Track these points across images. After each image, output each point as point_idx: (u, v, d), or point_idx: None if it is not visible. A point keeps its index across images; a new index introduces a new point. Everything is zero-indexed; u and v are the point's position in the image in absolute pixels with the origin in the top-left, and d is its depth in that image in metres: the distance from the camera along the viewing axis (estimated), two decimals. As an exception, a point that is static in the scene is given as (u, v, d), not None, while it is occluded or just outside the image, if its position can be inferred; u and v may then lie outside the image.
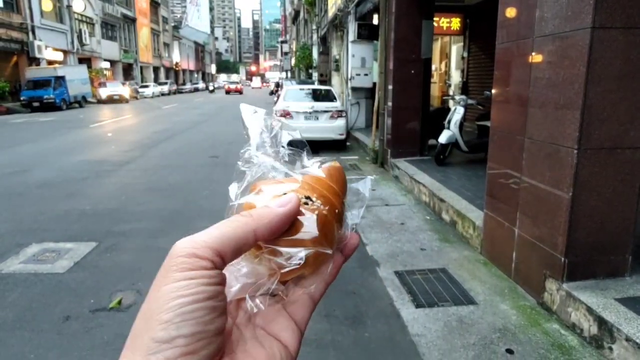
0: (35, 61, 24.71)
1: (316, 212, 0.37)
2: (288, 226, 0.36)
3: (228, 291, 0.36)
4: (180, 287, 0.30)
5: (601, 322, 2.48)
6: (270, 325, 0.38)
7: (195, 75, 75.07)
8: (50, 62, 25.97)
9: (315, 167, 0.41)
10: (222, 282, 0.33)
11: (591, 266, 2.83)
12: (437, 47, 13.31)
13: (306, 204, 0.37)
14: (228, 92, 46.80)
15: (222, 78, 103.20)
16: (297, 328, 0.38)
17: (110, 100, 28.04)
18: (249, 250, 0.35)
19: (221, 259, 0.32)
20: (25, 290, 3.34)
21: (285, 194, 0.37)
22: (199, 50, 78.23)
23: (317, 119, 9.49)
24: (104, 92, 28.32)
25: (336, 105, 9.86)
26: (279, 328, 0.38)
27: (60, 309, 3.06)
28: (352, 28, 12.08)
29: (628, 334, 2.30)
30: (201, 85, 63.22)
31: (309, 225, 0.36)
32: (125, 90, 29.22)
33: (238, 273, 0.37)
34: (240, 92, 46.31)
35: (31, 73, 23.00)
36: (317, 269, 0.39)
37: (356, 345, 2.65)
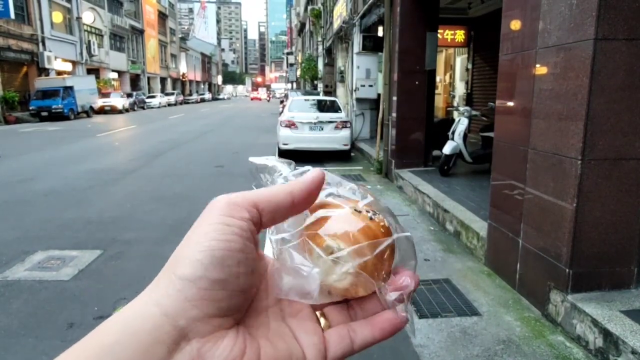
0: (44, 71, 25.08)
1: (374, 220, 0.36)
2: (319, 192, 0.35)
3: (279, 285, 0.34)
4: (215, 230, 0.30)
5: (606, 334, 2.46)
6: (298, 327, 0.35)
7: (202, 86, 75.77)
8: (59, 73, 26.34)
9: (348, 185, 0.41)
10: (255, 241, 0.32)
11: (596, 277, 2.81)
12: (441, 58, 13.37)
13: (371, 218, 0.36)
14: (252, 99, 68.08)
15: (228, 89, 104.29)
16: (324, 351, 0.34)
17: (102, 110, 27.65)
18: (286, 213, 0.34)
19: (258, 213, 0.32)
20: (30, 297, 3.36)
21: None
22: (206, 61, 79.06)
23: (322, 129, 9.53)
24: (98, 103, 28.10)
25: (341, 115, 9.90)
26: (305, 333, 0.35)
27: (64, 316, 3.07)
28: (357, 40, 12.19)
29: (634, 347, 2.27)
30: (207, 95, 63.89)
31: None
32: (118, 101, 28.99)
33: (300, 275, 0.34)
34: (260, 99, 65.44)
35: (40, 83, 23.34)
36: (363, 303, 0.36)
37: (359, 355, 2.62)
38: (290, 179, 0.38)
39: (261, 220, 0.33)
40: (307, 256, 0.34)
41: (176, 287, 0.29)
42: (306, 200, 0.35)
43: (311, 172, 0.36)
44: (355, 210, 0.36)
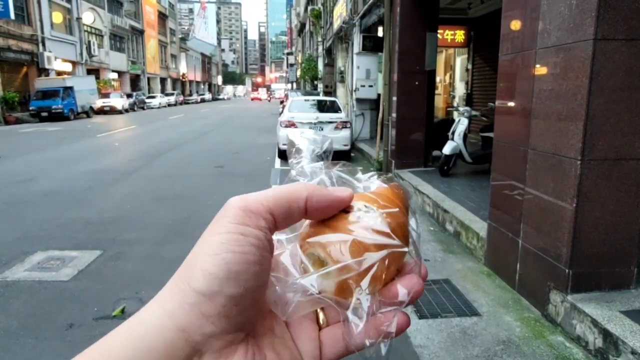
0: (44, 72, 25.09)
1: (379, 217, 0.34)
2: (337, 211, 0.34)
3: (282, 306, 0.33)
4: (230, 240, 0.29)
5: (606, 334, 2.45)
6: (297, 330, 0.35)
7: (202, 87, 75.79)
8: (59, 73, 26.34)
9: (376, 183, 0.39)
10: (270, 250, 0.31)
11: (596, 278, 2.81)
12: (441, 59, 13.37)
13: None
14: (252, 99, 68.61)
15: (229, 89, 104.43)
16: (319, 356, 0.35)
17: (102, 111, 27.55)
18: (298, 216, 0.33)
19: (273, 219, 0.31)
20: (29, 298, 3.36)
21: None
22: (206, 61, 79.09)
23: (322, 129, 9.53)
24: (97, 103, 27.99)
25: (341, 116, 9.91)
26: (302, 337, 0.35)
27: (64, 316, 3.07)
28: (357, 40, 12.20)
29: (634, 347, 2.27)
30: (207, 96, 63.94)
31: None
32: (118, 102, 28.91)
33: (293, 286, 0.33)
34: (260, 99, 66.45)
35: (40, 83, 23.34)
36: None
37: (358, 354, 2.63)
38: (305, 171, 0.38)
39: (275, 223, 0.32)
40: (297, 265, 0.34)
41: (191, 300, 0.28)
42: (322, 213, 0.34)
43: (340, 190, 0.34)
44: (358, 210, 0.34)
